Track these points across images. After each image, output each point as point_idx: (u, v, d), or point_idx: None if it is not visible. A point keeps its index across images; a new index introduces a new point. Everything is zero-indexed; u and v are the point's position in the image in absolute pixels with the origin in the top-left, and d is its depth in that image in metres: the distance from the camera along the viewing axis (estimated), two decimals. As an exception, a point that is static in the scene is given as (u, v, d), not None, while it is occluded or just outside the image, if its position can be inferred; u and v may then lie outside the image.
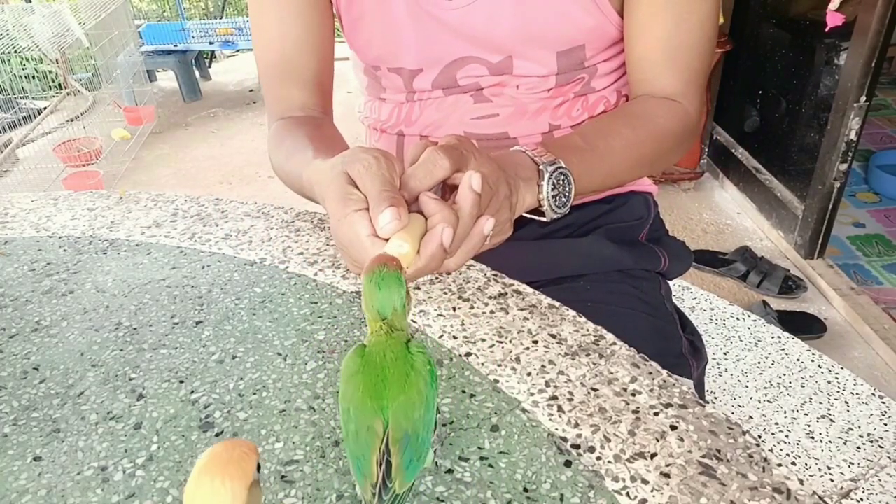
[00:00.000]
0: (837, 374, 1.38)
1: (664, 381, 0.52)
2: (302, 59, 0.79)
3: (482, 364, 0.54)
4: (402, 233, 0.48)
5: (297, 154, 0.69)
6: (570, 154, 0.63)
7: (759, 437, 1.25)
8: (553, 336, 0.57)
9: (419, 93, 0.81)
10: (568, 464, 0.46)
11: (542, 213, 0.62)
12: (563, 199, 0.62)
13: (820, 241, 2.13)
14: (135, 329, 0.60)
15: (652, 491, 0.44)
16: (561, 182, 0.61)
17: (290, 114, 0.80)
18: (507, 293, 0.63)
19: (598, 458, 0.46)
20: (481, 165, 0.54)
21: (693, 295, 1.62)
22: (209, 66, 4.35)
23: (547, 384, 0.52)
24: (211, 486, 0.32)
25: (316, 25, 0.78)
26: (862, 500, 1.11)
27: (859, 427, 1.25)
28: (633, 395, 0.51)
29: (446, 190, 0.55)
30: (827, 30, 1.87)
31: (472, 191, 0.51)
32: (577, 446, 0.47)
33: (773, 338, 1.50)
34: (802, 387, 1.36)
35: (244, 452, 0.33)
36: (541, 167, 0.60)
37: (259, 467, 0.34)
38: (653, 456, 0.46)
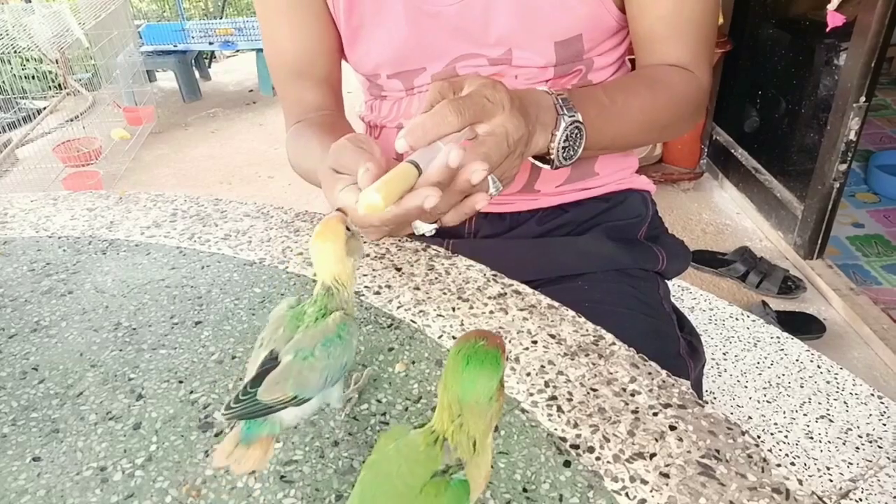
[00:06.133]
0: (836, 374, 1.38)
1: (663, 382, 0.52)
2: (314, 62, 0.83)
3: (481, 364, 0.54)
4: (380, 183, 0.50)
5: (313, 153, 0.73)
6: (590, 107, 0.65)
7: (759, 437, 1.25)
8: (552, 336, 0.57)
9: (418, 87, 0.81)
10: (567, 464, 0.46)
11: (549, 161, 0.64)
12: (571, 153, 0.64)
13: (819, 242, 2.13)
14: (134, 329, 0.60)
15: (651, 491, 0.44)
16: (574, 135, 0.63)
17: (307, 115, 0.83)
18: (506, 293, 0.63)
19: (598, 459, 0.46)
20: (508, 120, 0.56)
21: (692, 295, 1.62)
22: (209, 67, 4.35)
23: (546, 384, 0.52)
24: (319, 248, 0.46)
25: (325, 34, 0.81)
26: (861, 500, 1.11)
27: (858, 427, 1.25)
28: (633, 395, 0.51)
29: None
30: (827, 30, 1.87)
31: (447, 168, 0.53)
32: (576, 446, 0.47)
33: (772, 338, 1.50)
34: (801, 387, 1.36)
35: (334, 222, 0.46)
36: (559, 116, 0.62)
37: (349, 227, 0.47)
38: (652, 456, 0.46)
